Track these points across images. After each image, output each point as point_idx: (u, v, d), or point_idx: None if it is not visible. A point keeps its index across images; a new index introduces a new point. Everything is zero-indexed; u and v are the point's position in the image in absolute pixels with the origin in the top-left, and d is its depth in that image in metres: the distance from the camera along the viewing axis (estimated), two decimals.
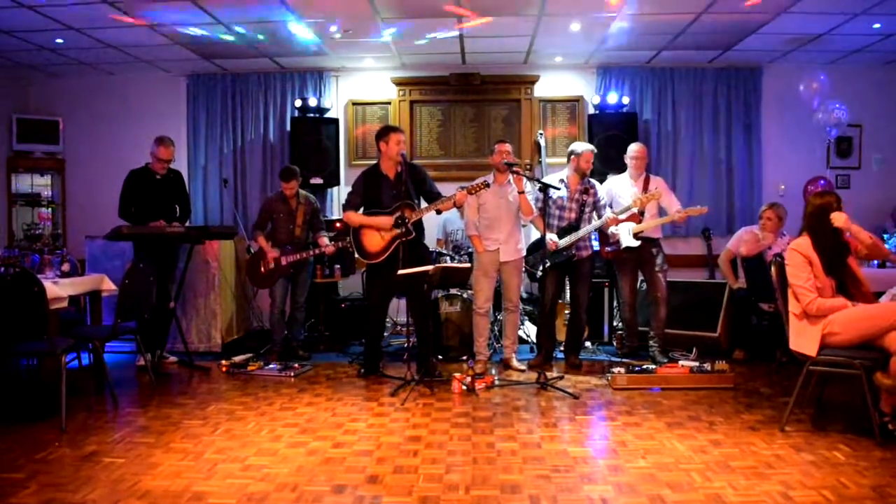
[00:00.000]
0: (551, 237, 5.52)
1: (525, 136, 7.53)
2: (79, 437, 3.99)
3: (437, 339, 6.02)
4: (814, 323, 3.90)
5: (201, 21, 5.90)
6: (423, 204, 5.40)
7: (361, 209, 5.45)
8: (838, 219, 3.94)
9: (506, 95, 7.63)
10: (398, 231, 5.21)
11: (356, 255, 5.53)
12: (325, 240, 6.09)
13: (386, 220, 5.27)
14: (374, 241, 5.35)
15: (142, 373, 5.65)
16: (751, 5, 5.57)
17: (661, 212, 6.00)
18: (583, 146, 5.75)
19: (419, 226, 5.44)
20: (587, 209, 5.72)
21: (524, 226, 5.89)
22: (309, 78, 7.57)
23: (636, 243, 5.69)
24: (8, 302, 4.12)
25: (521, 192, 5.52)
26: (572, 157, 5.72)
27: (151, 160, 5.99)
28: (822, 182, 7.09)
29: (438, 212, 5.49)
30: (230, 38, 6.36)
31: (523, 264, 5.80)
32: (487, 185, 5.31)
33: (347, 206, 5.47)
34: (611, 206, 5.82)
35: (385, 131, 5.42)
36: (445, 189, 5.69)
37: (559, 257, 5.57)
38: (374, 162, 5.60)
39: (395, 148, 5.31)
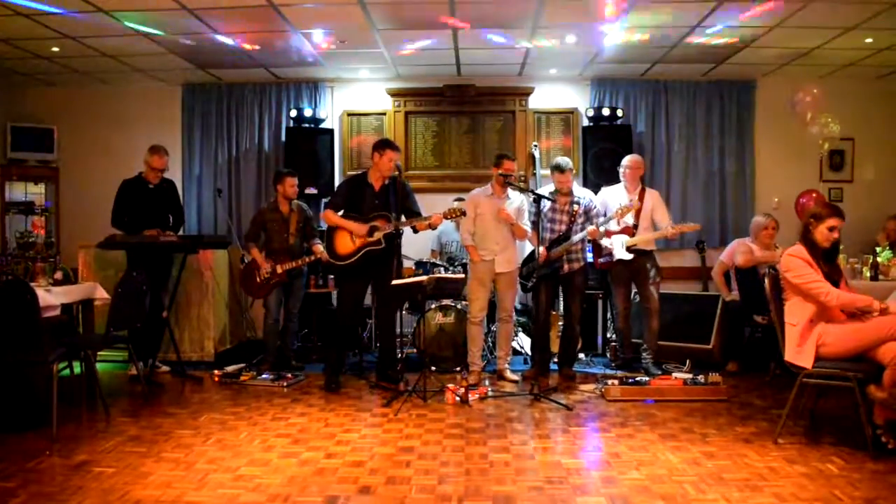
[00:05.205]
0: (541, 249, 5.54)
1: (519, 147, 7.54)
2: (69, 446, 3.96)
3: (431, 349, 6.02)
4: (808, 335, 3.91)
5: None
6: (403, 219, 5.41)
7: (342, 212, 5.48)
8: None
9: (500, 107, 7.64)
10: (368, 239, 5.28)
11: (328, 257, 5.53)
12: (319, 247, 6.06)
13: (361, 227, 5.32)
14: (345, 244, 5.39)
15: (134, 382, 5.64)
16: (749, 17, 5.61)
17: (655, 225, 6.00)
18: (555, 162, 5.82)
19: (391, 240, 5.30)
20: (579, 220, 5.73)
21: None
22: (304, 88, 7.57)
23: (629, 256, 5.71)
24: (0, 309, 4.09)
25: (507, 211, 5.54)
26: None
27: (145, 169, 6.00)
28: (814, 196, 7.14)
29: (415, 230, 5.49)
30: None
31: (518, 275, 5.80)
32: (463, 214, 5.38)
33: (328, 205, 5.60)
34: (604, 217, 5.83)
35: (383, 145, 5.44)
36: (440, 199, 5.69)
37: (546, 268, 5.58)
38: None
39: (388, 164, 5.37)
